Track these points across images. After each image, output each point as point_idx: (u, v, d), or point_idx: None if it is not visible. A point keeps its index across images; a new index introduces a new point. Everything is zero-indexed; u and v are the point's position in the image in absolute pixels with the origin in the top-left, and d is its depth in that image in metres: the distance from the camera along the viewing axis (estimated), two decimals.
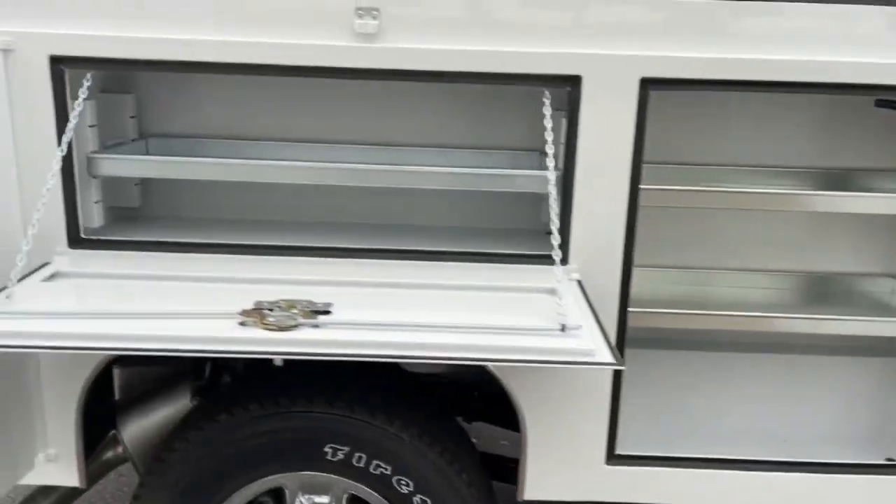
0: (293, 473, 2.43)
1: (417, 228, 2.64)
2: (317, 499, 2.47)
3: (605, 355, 1.67)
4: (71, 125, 2.01)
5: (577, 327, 1.72)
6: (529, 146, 2.61)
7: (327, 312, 1.80)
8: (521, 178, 2.35)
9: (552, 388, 2.29)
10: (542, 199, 2.61)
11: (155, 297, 1.95)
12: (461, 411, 2.89)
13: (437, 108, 2.60)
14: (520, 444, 2.38)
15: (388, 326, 1.76)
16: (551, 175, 2.07)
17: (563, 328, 1.72)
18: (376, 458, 2.37)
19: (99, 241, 2.23)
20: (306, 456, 2.38)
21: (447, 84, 2.42)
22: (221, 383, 2.80)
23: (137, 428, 2.83)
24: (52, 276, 2.02)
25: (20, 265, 1.84)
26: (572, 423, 2.32)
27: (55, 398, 2.29)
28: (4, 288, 1.85)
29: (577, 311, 1.86)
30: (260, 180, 2.40)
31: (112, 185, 2.44)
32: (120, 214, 2.55)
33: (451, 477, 2.42)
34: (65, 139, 2.01)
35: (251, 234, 2.38)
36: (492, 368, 2.26)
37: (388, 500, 2.42)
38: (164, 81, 2.53)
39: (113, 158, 2.28)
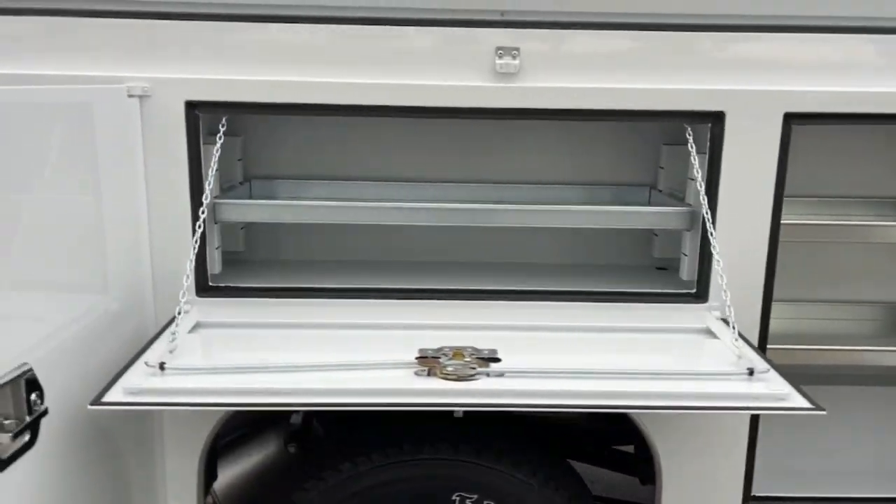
0: None
1: (532, 266, 2.60)
2: None
3: (800, 400, 1.62)
4: (213, 169, 1.96)
5: (766, 371, 1.67)
6: (628, 181, 2.59)
7: (496, 360, 1.75)
8: (654, 215, 2.31)
9: (690, 432, 2.24)
10: (655, 235, 2.59)
11: (311, 348, 1.89)
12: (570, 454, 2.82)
13: (537, 144, 2.57)
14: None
15: (565, 374, 1.70)
16: (704, 211, 2.03)
17: (750, 372, 1.67)
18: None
19: (226, 287, 2.16)
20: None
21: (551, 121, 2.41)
22: (313, 429, 2.73)
23: (229, 476, 2.75)
24: (196, 328, 1.95)
25: (180, 319, 1.77)
26: (709, 467, 2.26)
27: (178, 451, 2.21)
28: (169, 339, 1.77)
29: (753, 354, 1.81)
30: (381, 222, 2.36)
31: (222, 230, 2.39)
32: (226, 259, 2.49)
33: None
34: (208, 185, 1.95)
35: (369, 277, 2.32)
36: (629, 413, 2.21)
37: None
38: (265, 124, 2.49)
39: (237, 204, 2.23)
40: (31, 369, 1.48)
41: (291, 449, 2.72)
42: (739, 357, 1.74)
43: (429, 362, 1.69)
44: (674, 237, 2.52)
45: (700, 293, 2.18)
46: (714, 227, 2.14)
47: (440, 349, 1.79)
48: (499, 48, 2.05)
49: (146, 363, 1.65)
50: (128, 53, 2.02)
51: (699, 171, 2.06)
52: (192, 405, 1.63)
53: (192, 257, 1.89)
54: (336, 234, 2.58)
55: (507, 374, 1.68)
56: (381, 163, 2.58)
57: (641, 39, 2.09)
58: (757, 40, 2.08)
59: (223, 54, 2.05)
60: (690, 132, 2.11)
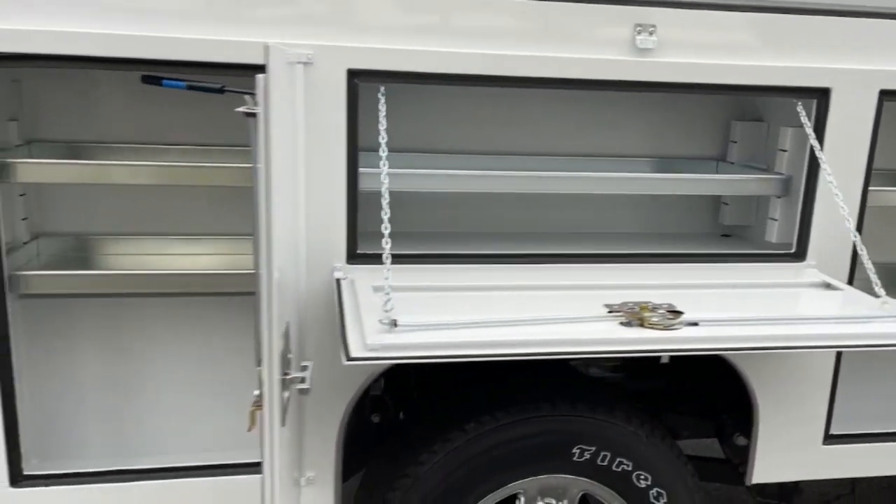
0: (534, 478, 2.47)
1: (612, 235, 2.76)
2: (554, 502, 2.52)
3: None
4: (384, 139, 2.00)
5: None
6: (694, 155, 2.80)
7: (681, 312, 1.90)
8: (753, 183, 2.52)
9: (785, 375, 2.47)
10: (726, 203, 2.81)
11: (498, 307, 1.97)
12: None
13: (606, 119, 2.73)
14: None
15: (744, 322, 1.88)
16: (829, 178, 2.25)
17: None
18: (619, 456, 2.46)
19: (370, 255, 2.20)
20: (554, 458, 2.43)
21: (624, 95, 2.58)
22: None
23: None
24: (376, 291, 1.99)
25: (388, 278, 1.81)
26: (799, 407, 2.51)
27: (317, 421, 2.23)
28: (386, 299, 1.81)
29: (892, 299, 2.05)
30: (494, 190, 2.44)
31: None
32: None
33: (680, 468, 2.55)
34: (382, 152, 1.99)
35: (481, 245, 2.42)
36: (730, 358, 2.42)
37: (623, 496, 2.51)
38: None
39: (371, 173, 2.26)
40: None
41: (375, 419, 2.78)
42: (884, 302, 1.98)
43: (631, 314, 1.82)
44: (744, 205, 2.76)
45: (799, 253, 2.42)
46: (816, 194, 2.37)
47: (624, 304, 1.92)
48: (637, 25, 2.19)
49: (380, 321, 1.69)
50: (292, 21, 2.02)
51: (816, 143, 2.27)
52: (440, 357, 1.69)
53: (345, 223, 1.93)
54: (435, 207, 2.64)
55: (701, 324, 1.84)
56: (460, 136, 2.65)
57: (759, 20, 2.28)
58: (857, 23, 2.32)
59: (384, 24, 2.08)
60: (801, 107, 2.32)
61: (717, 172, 2.81)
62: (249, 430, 1.53)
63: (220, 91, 1.98)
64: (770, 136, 2.65)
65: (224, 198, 2.51)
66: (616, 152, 2.79)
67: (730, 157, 2.78)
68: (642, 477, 2.49)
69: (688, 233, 2.87)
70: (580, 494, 2.53)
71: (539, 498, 2.51)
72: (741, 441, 2.83)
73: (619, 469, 2.47)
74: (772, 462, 2.55)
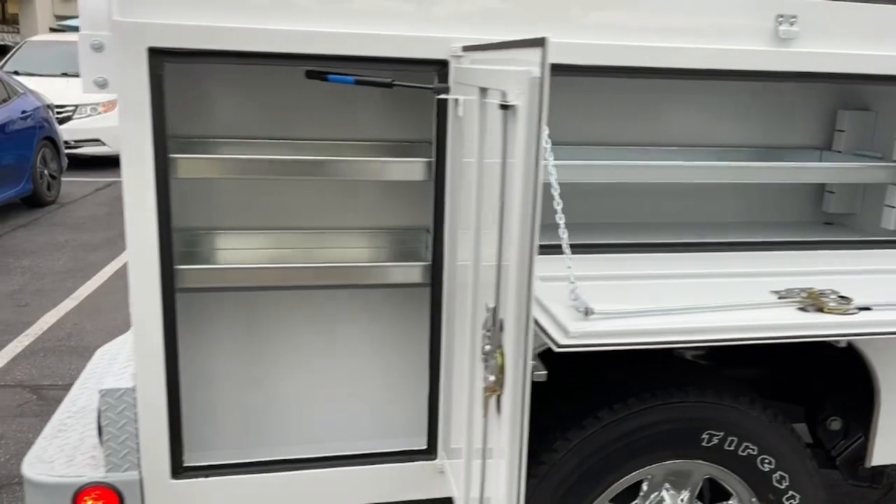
0: (662, 463, 2.51)
1: (719, 224, 2.80)
2: (677, 489, 2.56)
3: None
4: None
5: None
6: (797, 144, 2.84)
7: (850, 298, 1.94)
8: (871, 171, 2.57)
9: None
10: (831, 192, 2.86)
11: (673, 294, 2.00)
12: None
13: (710, 109, 2.76)
14: None
15: None
16: None
17: None
18: (745, 441, 2.50)
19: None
20: (684, 444, 2.48)
21: (731, 85, 2.62)
22: None
23: None
24: (544, 280, 2.00)
25: (570, 267, 1.83)
26: None
27: None
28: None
29: None
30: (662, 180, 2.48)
31: None
32: None
33: (800, 452, 2.60)
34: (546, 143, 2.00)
35: (630, 235, 2.45)
36: (858, 345, 2.47)
37: (747, 480, 2.56)
38: None
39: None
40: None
41: None
42: None
43: (806, 300, 1.86)
44: (850, 193, 2.81)
45: None
46: None
47: (790, 290, 1.96)
48: (779, 16, 2.23)
49: (576, 309, 1.71)
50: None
51: None
52: (639, 344, 1.72)
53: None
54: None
55: (874, 308, 1.88)
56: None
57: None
58: None
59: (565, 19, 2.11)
60: None
61: (821, 161, 2.86)
62: (485, 415, 1.55)
63: (390, 85, 1.98)
64: (879, 125, 2.70)
65: (353, 191, 2.53)
66: (718, 142, 2.83)
67: (836, 146, 2.82)
68: (766, 461, 2.53)
69: (790, 221, 2.91)
70: (703, 479, 2.57)
71: (664, 483, 2.55)
72: (835, 425, 2.89)
73: (745, 453, 2.51)
74: (890, 445, 2.60)
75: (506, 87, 1.36)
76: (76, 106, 12.28)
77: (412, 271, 2.31)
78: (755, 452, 2.52)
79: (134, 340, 2.05)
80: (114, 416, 2.07)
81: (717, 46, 2.18)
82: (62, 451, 2.23)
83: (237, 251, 2.48)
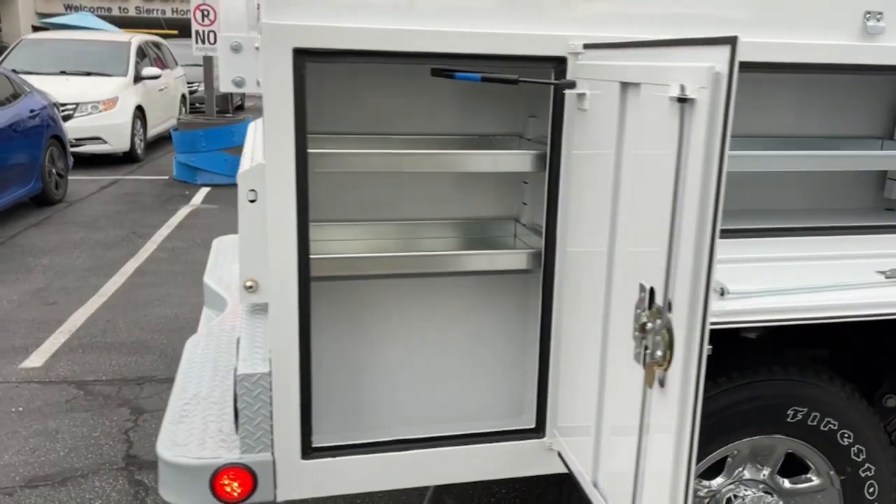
0: (749, 439, 2.64)
1: (779, 211, 2.93)
2: (759, 464, 2.69)
3: None
4: None
5: None
6: (858, 134, 2.98)
7: None
8: None
9: None
10: (889, 178, 3.00)
11: (789, 275, 2.13)
12: None
13: (765, 102, 2.88)
14: None
15: None
16: None
17: None
18: (827, 416, 2.64)
19: None
20: (771, 420, 2.61)
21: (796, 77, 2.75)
22: None
23: None
24: None
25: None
26: None
27: None
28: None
29: None
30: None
31: None
32: None
33: (875, 426, 2.74)
34: None
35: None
36: None
37: (826, 454, 2.70)
38: None
39: None
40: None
41: None
42: None
43: None
44: None
45: None
46: None
47: (894, 270, 2.09)
48: (867, 12, 2.36)
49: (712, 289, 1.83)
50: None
51: None
52: (778, 321, 1.84)
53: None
54: None
55: None
56: None
57: None
58: None
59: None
60: None
61: (882, 150, 3.00)
62: (652, 387, 1.66)
63: (515, 82, 2.09)
64: None
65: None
66: (782, 132, 2.96)
67: None
68: (846, 435, 2.68)
69: (852, 207, 3.05)
70: (785, 454, 2.71)
71: (748, 458, 2.69)
72: (891, 403, 3.04)
73: (826, 428, 2.65)
74: None
75: (684, 81, 1.47)
76: (76, 104, 12.24)
77: (519, 258, 2.43)
78: (836, 427, 2.66)
79: (271, 327, 2.14)
80: (250, 400, 2.16)
81: (813, 41, 2.30)
82: (191, 434, 2.32)
83: (340, 241, 2.58)
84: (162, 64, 14.78)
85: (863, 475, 2.72)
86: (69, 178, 10.52)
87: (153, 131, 14.19)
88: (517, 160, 2.35)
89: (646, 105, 1.70)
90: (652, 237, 1.66)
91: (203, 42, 11.62)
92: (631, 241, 1.84)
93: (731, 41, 1.36)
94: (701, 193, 1.48)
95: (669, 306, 1.59)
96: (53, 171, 9.94)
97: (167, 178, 11.98)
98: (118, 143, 12.58)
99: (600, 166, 2.00)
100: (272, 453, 2.21)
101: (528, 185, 2.71)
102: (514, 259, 2.43)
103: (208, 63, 11.97)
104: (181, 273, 7.30)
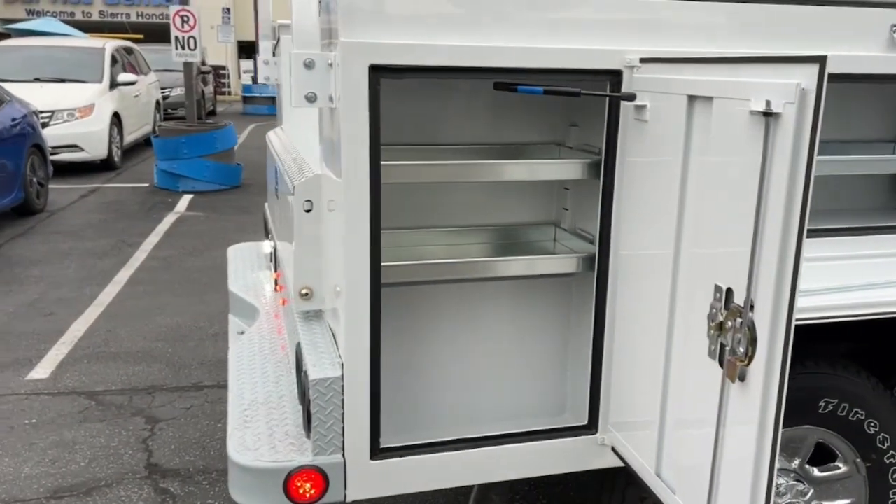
0: (785, 429, 2.77)
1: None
2: (790, 455, 2.83)
3: None
4: None
5: None
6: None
7: None
8: None
9: None
10: None
11: (851, 272, 2.27)
12: None
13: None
14: None
15: None
16: None
17: None
18: (855, 407, 2.79)
19: None
20: (803, 411, 2.75)
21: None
22: None
23: None
24: None
25: None
26: None
27: None
28: None
29: None
30: None
31: None
32: None
33: None
34: None
35: None
36: None
37: (854, 443, 2.85)
38: None
39: None
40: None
41: None
42: None
43: None
44: None
45: None
46: None
47: None
48: (893, 25, 2.51)
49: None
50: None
51: None
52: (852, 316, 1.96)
53: None
54: None
55: None
56: None
57: None
58: None
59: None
60: None
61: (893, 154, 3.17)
62: (734, 381, 1.77)
63: (577, 94, 2.19)
64: None
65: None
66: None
67: None
68: (872, 424, 2.83)
69: (866, 208, 3.21)
70: (814, 444, 2.85)
71: (782, 449, 2.82)
72: None
73: (854, 418, 2.80)
74: None
75: (770, 96, 1.59)
76: (52, 112, 12.10)
77: (568, 262, 2.54)
78: (863, 417, 2.81)
79: (344, 333, 2.22)
80: (322, 404, 2.23)
81: (848, 53, 2.44)
82: (259, 439, 2.38)
83: (392, 249, 2.66)
84: (135, 69, 14.64)
85: (887, 462, 2.88)
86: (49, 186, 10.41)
87: (129, 138, 14.07)
88: (570, 168, 2.46)
89: (720, 117, 1.82)
90: (730, 241, 1.77)
91: (183, 48, 11.58)
92: (702, 244, 1.95)
93: (821, 60, 1.48)
94: (787, 200, 1.59)
95: (752, 306, 1.71)
96: (35, 179, 9.83)
97: (148, 185, 11.91)
98: (96, 150, 12.46)
99: (663, 173, 2.11)
100: (343, 455, 2.28)
101: (570, 192, 2.82)
102: (564, 263, 2.54)
103: (188, 69, 11.91)
104: (177, 282, 7.29)
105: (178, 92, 18.91)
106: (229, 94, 29.68)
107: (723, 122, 1.80)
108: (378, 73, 2.07)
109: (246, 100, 25.11)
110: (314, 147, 2.79)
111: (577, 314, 2.82)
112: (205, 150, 11.33)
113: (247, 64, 26.96)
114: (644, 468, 2.27)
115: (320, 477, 2.27)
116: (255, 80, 23.86)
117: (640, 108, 2.19)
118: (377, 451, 2.31)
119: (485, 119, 2.81)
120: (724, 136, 1.80)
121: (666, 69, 2.08)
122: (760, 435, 1.73)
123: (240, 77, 28.94)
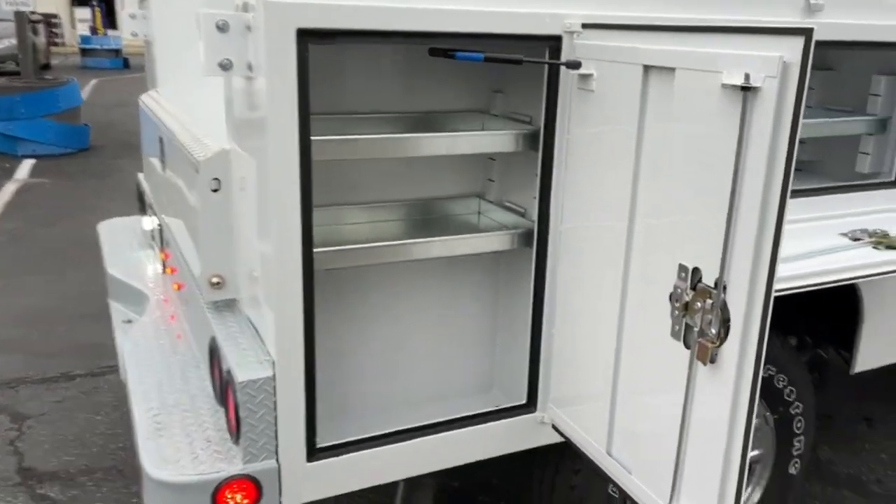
0: None
1: None
2: None
3: None
4: None
5: None
6: None
7: None
8: None
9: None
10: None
11: None
12: None
13: None
14: None
15: None
16: None
17: None
18: (768, 363, 2.88)
19: None
20: None
21: None
22: None
23: None
24: None
25: None
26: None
27: None
28: None
29: None
30: None
31: None
32: None
33: (801, 367, 3.04)
34: None
35: None
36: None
37: (763, 397, 2.95)
38: None
39: None
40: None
41: None
42: None
43: (877, 241, 2.21)
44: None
45: None
46: None
47: (854, 230, 2.31)
48: None
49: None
50: None
51: None
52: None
53: None
54: None
55: None
56: None
57: None
58: None
59: None
60: None
61: None
62: (706, 364, 1.72)
63: (519, 62, 2.05)
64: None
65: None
66: None
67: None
68: (781, 379, 2.94)
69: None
70: None
71: None
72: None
73: (766, 374, 2.90)
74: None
75: (748, 69, 1.51)
76: None
77: (503, 238, 2.42)
78: (774, 373, 2.91)
79: (274, 328, 2.01)
80: (253, 407, 2.03)
81: (761, 19, 2.42)
82: (178, 449, 2.14)
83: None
84: None
85: (792, 412, 3.01)
86: None
87: None
88: (504, 140, 2.32)
89: (684, 90, 1.73)
90: (697, 221, 1.71)
91: None
92: (661, 220, 1.88)
93: (807, 32, 1.41)
94: (766, 178, 1.54)
95: (725, 287, 1.66)
96: None
97: None
98: None
99: (613, 146, 2.02)
100: (277, 459, 2.09)
101: (496, 162, 2.69)
102: (500, 240, 2.42)
103: (21, 19, 10.75)
104: (32, 258, 6.63)
105: (5, 44, 17.20)
106: (63, 45, 27.27)
107: (687, 95, 1.72)
108: (306, 38, 1.83)
109: (84, 52, 23.16)
110: (212, 117, 2.50)
111: (505, 290, 2.72)
112: (46, 109, 10.33)
113: (82, 12, 24.81)
114: (592, 445, 2.22)
115: (252, 486, 2.07)
116: (94, 30, 22.04)
117: (586, 77, 2.08)
118: (314, 452, 2.14)
119: (395, 85, 2.61)
120: (689, 110, 1.72)
121: (615, 36, 1.98)
122: (732, 416, 1.70)
123: (74, 27, 26.64)
